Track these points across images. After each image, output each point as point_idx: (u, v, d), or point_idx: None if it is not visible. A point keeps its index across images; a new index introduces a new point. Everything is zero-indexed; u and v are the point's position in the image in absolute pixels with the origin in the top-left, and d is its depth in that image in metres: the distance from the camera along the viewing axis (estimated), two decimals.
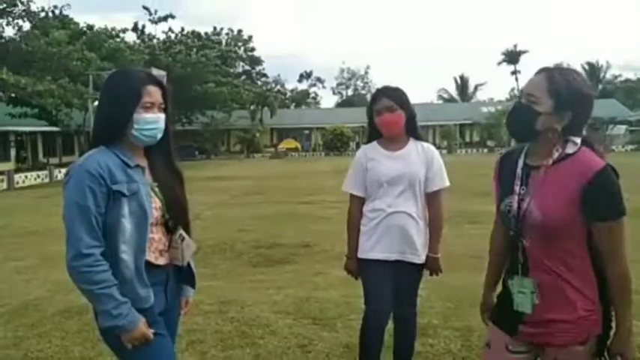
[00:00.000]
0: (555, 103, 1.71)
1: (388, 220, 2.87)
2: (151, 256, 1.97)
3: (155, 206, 1.98)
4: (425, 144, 2.99)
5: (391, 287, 2.90)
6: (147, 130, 1.95)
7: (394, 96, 2.89)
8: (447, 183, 2.98)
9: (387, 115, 2.87)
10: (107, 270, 1.83)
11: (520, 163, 1.86)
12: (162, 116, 2.00)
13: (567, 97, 1.71)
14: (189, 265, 2.17)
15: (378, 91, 2.99)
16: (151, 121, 1.96)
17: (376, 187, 2.90)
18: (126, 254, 1.87)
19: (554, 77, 1.74)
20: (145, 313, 1.91)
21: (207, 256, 6.96)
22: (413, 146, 2.95)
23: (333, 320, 4.23)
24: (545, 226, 1.73)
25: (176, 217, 2.06)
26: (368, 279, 2.94)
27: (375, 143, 3.00)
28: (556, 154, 1.75)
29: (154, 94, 1.97)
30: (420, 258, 2.93)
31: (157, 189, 2.02)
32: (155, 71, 21.90)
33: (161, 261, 2.02)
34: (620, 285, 1.71)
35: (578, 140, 1.75)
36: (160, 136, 2.01)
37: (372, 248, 2.90)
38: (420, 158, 2.91)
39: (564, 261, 1.75)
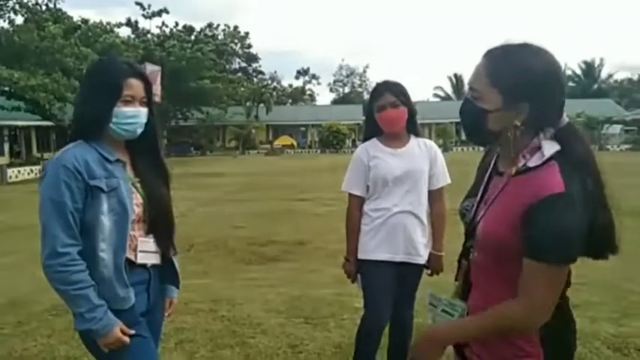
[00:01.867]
0: (502, 95, 1.34)
1: (393, 220, 2.76)
2: (132, 255, 1.88)
3: (136, 202, 1.89)
4: (427, 140, 2.91)
5: (392, 290, 2.81)
6: (126, 125, 1.87)
7: (397, 91, 2.78)
8: (449, 180, 2.92)
9: (390, 111, 2.76)
10: (83, 270, 1.75)
11: (491, 165, 1.55)
12: (143, 110, 1.91)
13: (516, 85, 1.33)
14: (172, 263, 2.07)
15: (380, 85, 2.86)
16: (131, 115, 1.87)
17: (381, 186, 2.79)
18: (105, 253, 1.79)
19: (494, 62, 1.36)
20: (125, 315, 1.83)
21: (199, 253, 6.88)
22: (415, 143, 2.86)
23: (325, 319, 4.16)
24: (482, 246, 1.45)
25: (157, 216, 1.97)
26: (370, 282, 2.84)
27: (375, 140, 2.89)
28: (522, 162, 1.37)
29: (135, 87, 1.88)
30: (423, 258, 2.85)
31: (138, 185, 1.93)
32: (149, 66, 21.63)
33: (142, 259, 1.92)
34: (496, 322, 1.37)
35: (551, 150, 1.33)
36: (140, 131, 1.92)
37: (375, 249, 2.79)
38: (424, 155, 2.83)
39: (504, 288, 1.40)
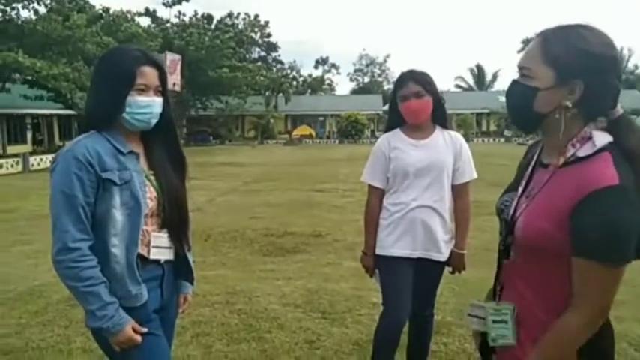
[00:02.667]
0: (556, 72, 1.27)
1: (412, 215, 2.66)
2: (144, 250, 1.82)
3: (150, 196, 1.83)
4: (452, 132, 2.78)
5: (411, 287, 2.72)
6: (139, 115, 1.80)
7: (422, 80, 2.65)
8: (475, 175, 2.80)
9: (414, 102, 2.63)
10: (95, 266, 1.69)
11: (535, 157, 1.46)
12: (158, 100, 1.84)
13: (572, 61, 1.25)
14: (186, 259, 2.01)
15: (404, 74, 2.72)
16: (144, 105, 1.79)
17: (401, 179, 2.68)
18: (117, 248, 1.73)
19: (550, 41, 1.29)
20: (137, 312, 1.78)
21: (217, 243, 6.86)
22: (439, 135, 2.73)
23: (342, 314, 4.10)
24: (524, 244, 1.35)
25: (171, 210, 1.90)
26: (388, 278, 2.75)
27: (398, 131, 2.77)
28: (571, 151, 1.29)
29: (149, 75, 1.80)
30: (444, 255, 2.75)
31: (152, 177, 1.87)
32: (170, 55, 21.83)
33: (156, 255, 1.87)
34: (559, 337, 1.27)
35: (603, 141, 1.25)
36: (154, 121, 1.85)
37: (393, 244, 2.70)
38: (449, 148, 2.71)
39: (543, 291, 1.33)
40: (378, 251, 2.76)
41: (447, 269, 2.85)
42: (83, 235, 1.69)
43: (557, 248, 1.26)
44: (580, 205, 1.21)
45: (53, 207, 1.70)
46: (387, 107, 2.79)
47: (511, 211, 1.42)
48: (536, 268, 1.34)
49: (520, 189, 1.44)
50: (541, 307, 1.34)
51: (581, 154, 1.27)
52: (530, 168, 1.45)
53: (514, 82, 1.37)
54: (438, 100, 2.71)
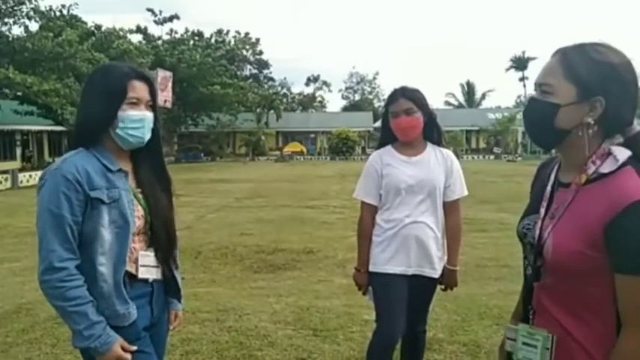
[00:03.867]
0: (577, 88, 1.27)
1: (406, 231, 2.66)
2: (132, 267, 1.81)
3: (138, 214, 1.81)
4: (444, 150, 2.79)
5: (405, 305, 2.70)
6: (133, 130, 1.78)
7: (413, 97, 2.66)
8: (466, 192, 2.80)
9: (404, 119, 2.64)
10: (81, 285, 1.67)
11: (552, 177, 1.43)
12: (149, 114, 1.83)
13: (593, 78, 1.26)
14: (174, 277, 1.99)
15: (396, 91, 2.73)
16: (137, 119, 1.78)
17: (393, 195, 2.68)
18: (104, 267, 1.71)
19: (570, 57, 1.30)
20: (126, 330, 1.76)
21: (207, 260, 6.82)
22: (431, 152, 2.74)
23: (334, 331, 4.07)
24: (555, 266, 1.31)
25: (158, 228, 1.89)
26: (382, 296, 2.72)
27: (389, 147, 2.78)
28: (592, 169, 1.28)
29: (140, 89, 1.80)
30: (437, 272, 2.74)
31: (140, 195, 1.86)
32: (161, 72, 21.87)
33: (144, 274, 1.85)
34: None
35: (624, 155, 1.25)
36: (148, 136, 1.84)
37: (387, 261, 2.68)
38: (440, 165, 2.72)
39: (579, 314, 1.30)
40: (372, 268, 2.74)
41: (439, 287, 2.84)
42: (70, 254, 1.67)
43: (590, 267, 1.25)
44: (617, 220, 1.19)
45: (40, 225, 1.68)
46: (377, 124, 2.78)
47: (536, 234, 1.39)
48: (570, 291, 1.32)
49: (542, 210, 1.41)
50: (576, 331, 1.31)
51: (604, 170, 1.27)
52: (549, 188, 1.43)
53: (533, 99, 1.36)
54: (430, 116, 2.72)
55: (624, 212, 1.18)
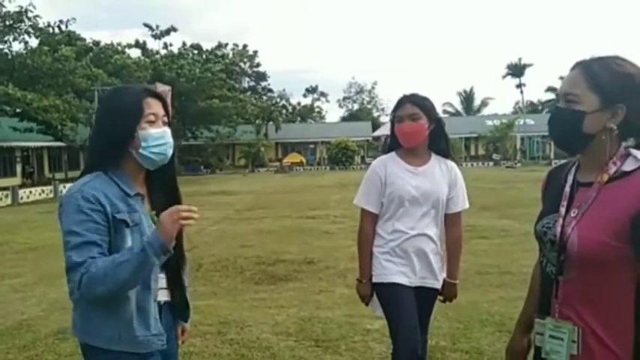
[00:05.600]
0: (601, 97, 1.41)
1: (410, 243, 2.60)
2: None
3: None
4: (448, 162, 2.72)
5: (417, 314, 2.58)
6: (156, 147, 1.75)
7: (420, 104, 2.60)
8: (467, 204, 2.75)
9: (407, 124, 2.58)
10: (102, 263, 1.57)
11: (570, 179, 1.54)
12: (168, 130, 1.82)
13: (614, 88, 1.40)
14: (183, 296, 1.98)
15: (404, 96, 2.67)
16: (159, 137, 1.76)
17: (396, 206, 2.61)
18: (131, 292, 1.68)
19: (593, 68, 1.43)
20: (142, 357, 1.75)
21: (208, 272, 6.81)
22: (436, 163, 2.69)
23: (336, 342, 4.06)
24: (581, 260, 1.41)
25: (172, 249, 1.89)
26: (395, 306, 2.59)
27: (394, 155, 2.70)
28: (613, 169, 1.42)
29: (154, 106, 1.79)
30: (440, 282, 2.70)
31: (156, 218, 1.81)
32: (160, 86, 21.90)
33: (159, 297, 1.84)
34: None
35: None
36: (171, 152, 1.81)
37: (392, 272, 2.60)
38: (445, 177, 2.66)
39: (600, 308, 1.40)
40: (377, 279, 2.66)
41: (439, 297, 2.79)
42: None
43: (613, 257, 1.35)
44: None
45: (65, 248, 1.63)
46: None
47: (558, 231, 1.47)
48: (591, 284, 1.40)
49: (562, 209, 1.50)
50: (599, 325, 1.39)
51: (627, 168, 1.41)
52: (567, 188, 1.53)
53: (559, 108, 1.49)
54: (438, 124, 2.66)
55: None
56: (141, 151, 1.74)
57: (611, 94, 1.40)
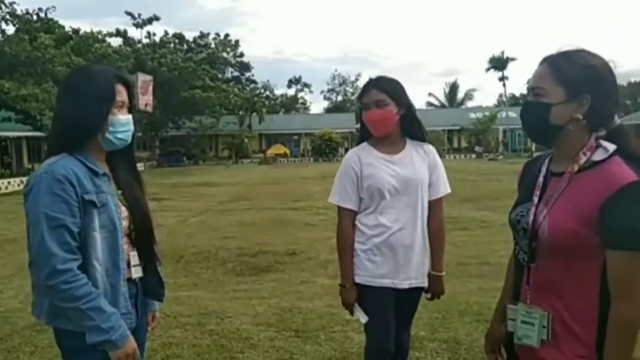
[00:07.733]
0: (566, 89, 1.46)
1: (394, 239, 2.42)
2: (126, 270, 1.82)
3: (123, 216, 1.82)
4: (425, 145, 2.54)
5: (394, 316, 2.50)
6: (121, 133, 1.81)
7: (387, 88, 2.41)
8: (449, 189, 2.58)
9: (374, 111, 2.40)
10: (87, 282, 1.66)
11: (543, 170, 1.59)
12: (130, 117, 1.86)
13: (578, 79, 1.44)
14: (157, 273, 1.99)
15: (369, 81, 2.48)
16: (126, 122, 1.82)
17: (377, 199, 2.43)
18: (97, 272, 1.70)
19: (557, 62, 1.48)
20: None
21: (189, 264, 6.78)
22: (412, 148, 2.50)
23: (316, 332, 4.08)
24: (551, 247, 1.46)
25: (140, 227, 1.89)
26: (372, 310, 2.48)
27: (366, 145, 2.51)
28: (583, 159, 1.45)
29: (123, 92, 1.83)
30: (426, 280, 2.56)
31: (122, 198, 1.86)
32: (141, 76, 21.72)
33: (134, 274, 1.86)
34: (622, 335, 1.37)
35: (611, 147, 1.43)
36: (130, 139, 1.87)
37: (375, 273, 2.44)
38: (424, 161, 2.49)
39: (567, 294, 1.45)
40: (358, 279, 2.48)
41: (425, 295, 2.63)
42: (71, 255, 1.64)
43: (582, 245, 1.40)
44: (611, 200, 1.35)
45: (35, 231, 1.64)
46: (359, 125, 2.56)
47: (530, 219, 1.52)
48: (560, 270, 1.46)
49: (535, 198, 1.55)
50: (566, 311, 1.45)
51: (596, 158, 1.44)
52: (541, 179, 1.58)
53: (528, 102, 1.55)
54: (409, 109, 2.48)
55: (618, 193, 1.34)
56: (107, 135, 1.78)
57: (576, 86, 1.45)
